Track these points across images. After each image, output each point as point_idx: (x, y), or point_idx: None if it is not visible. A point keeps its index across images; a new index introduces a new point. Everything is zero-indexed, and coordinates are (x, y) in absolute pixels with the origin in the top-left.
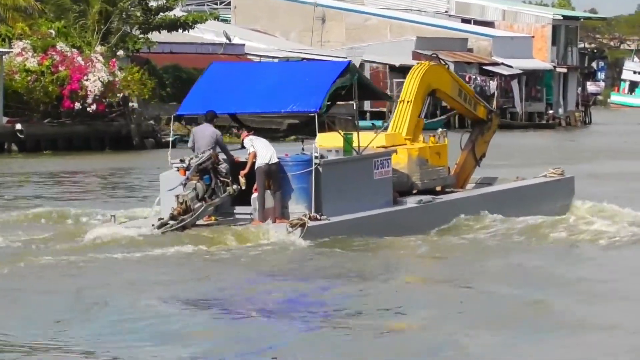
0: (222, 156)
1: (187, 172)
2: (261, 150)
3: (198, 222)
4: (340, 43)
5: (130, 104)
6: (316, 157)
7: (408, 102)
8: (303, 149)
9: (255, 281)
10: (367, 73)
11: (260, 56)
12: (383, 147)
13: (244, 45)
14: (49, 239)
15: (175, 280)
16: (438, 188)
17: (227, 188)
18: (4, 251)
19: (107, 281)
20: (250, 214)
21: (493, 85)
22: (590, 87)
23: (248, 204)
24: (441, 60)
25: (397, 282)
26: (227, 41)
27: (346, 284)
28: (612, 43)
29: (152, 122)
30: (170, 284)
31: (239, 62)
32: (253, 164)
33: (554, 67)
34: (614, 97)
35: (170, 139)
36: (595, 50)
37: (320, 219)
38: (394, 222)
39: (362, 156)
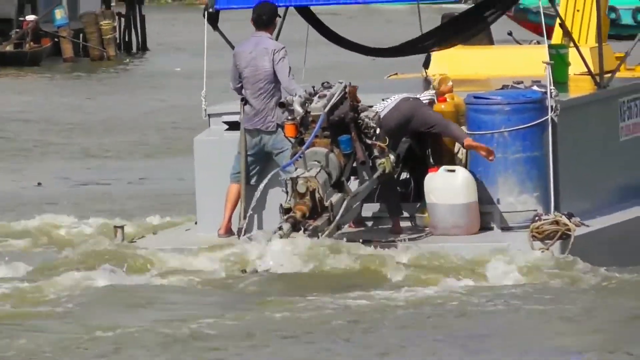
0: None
1: (304, 131)
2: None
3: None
4: None
5: None
6: (552, 95)
7: None
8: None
9: None
10: None
11: None
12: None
13: None
14: None
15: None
16: None
17: (379, 160)
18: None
19: None
20: (411, 217)
21: None
22: None
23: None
24: None
25: None
26: None
27: None
28: None
29: None
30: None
31: None
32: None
33: None
34: None
35: (205, 61)
36: None
37: (574, 223)
38: None
39: (607, 93)
